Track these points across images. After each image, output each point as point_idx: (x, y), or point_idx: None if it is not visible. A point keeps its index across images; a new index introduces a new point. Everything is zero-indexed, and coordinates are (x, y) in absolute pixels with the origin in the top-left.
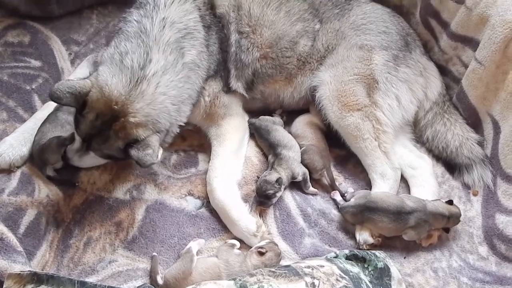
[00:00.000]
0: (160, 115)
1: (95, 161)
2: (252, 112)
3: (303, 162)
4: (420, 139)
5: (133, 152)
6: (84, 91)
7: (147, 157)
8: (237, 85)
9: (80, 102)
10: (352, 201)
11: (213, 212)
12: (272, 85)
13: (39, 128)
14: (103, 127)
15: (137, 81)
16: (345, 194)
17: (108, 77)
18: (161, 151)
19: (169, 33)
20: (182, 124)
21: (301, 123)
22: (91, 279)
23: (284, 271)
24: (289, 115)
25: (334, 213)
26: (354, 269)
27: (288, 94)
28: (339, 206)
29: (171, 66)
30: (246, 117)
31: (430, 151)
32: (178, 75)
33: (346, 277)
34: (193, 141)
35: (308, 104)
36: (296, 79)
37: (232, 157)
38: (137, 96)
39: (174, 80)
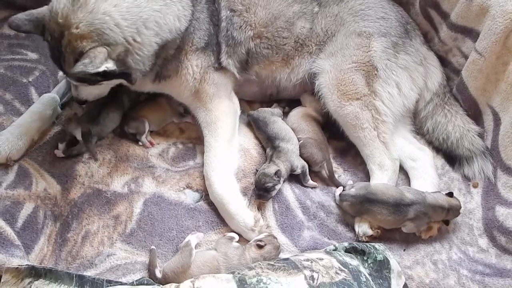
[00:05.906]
0: (104, 25)
1: (89, 89)
2: (249, 99)
3: (302, 157)
4: (420, 131)
5: (75, 66)
6: (41, 16)
7: (80, 66)
8: (228, 62)
9: (39, 27)
10: (352, 191)
11: (212, 205)
12: (268, 66)
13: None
14: (59, 47)
15: None
16: (345, 187)
17: None
18: (110, 63)
19: None
20: (146, 53)
21: (295, 116)
22: (89, 273)
23: (283, 264)
24: (290, 104)
25: (334, 205)
26: (354, 261)
27: (285, 76)
28: (339, 194)
29: None
30: (236, 101)
31: (430, 142)
32: None
33: (346, 269)
34: (191, 133)
35: (304, 90)
36: (293, 60)
37: (227, 147)
38: (80, 5)
39: None
